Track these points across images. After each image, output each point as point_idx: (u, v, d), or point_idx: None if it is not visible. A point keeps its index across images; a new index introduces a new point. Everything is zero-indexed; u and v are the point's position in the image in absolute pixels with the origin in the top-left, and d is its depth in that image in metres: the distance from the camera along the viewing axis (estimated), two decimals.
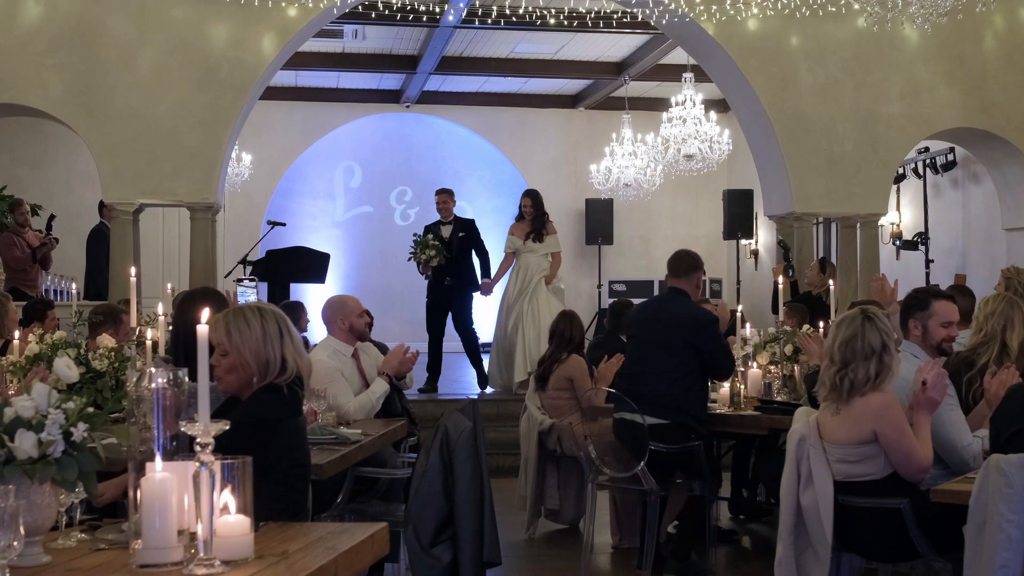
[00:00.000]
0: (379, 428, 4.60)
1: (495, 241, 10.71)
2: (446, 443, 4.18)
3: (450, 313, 9.75)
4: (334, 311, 5.53)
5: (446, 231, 9.72)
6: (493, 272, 10.08)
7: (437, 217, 10.02)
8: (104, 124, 8.41)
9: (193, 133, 8.50)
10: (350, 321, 5.47)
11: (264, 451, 2.95)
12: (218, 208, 8.87)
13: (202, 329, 2.19)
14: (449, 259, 9.54)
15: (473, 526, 4.18)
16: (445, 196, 10.09)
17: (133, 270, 4.43)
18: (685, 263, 5.80)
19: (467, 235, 9.76)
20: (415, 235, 9.78)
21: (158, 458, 2.24)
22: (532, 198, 9.81)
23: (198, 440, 2.17)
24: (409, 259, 9.70)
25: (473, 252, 9.83)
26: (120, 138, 8.42)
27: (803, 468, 3.71)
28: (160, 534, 2.22)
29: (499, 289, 10.14)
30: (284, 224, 11.21)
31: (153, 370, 2.33)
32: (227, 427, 2.20)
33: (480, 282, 9.90)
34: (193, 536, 2.21)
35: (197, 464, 2.18)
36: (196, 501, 2.19)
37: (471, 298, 9.84)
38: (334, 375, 5.03)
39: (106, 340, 4.39)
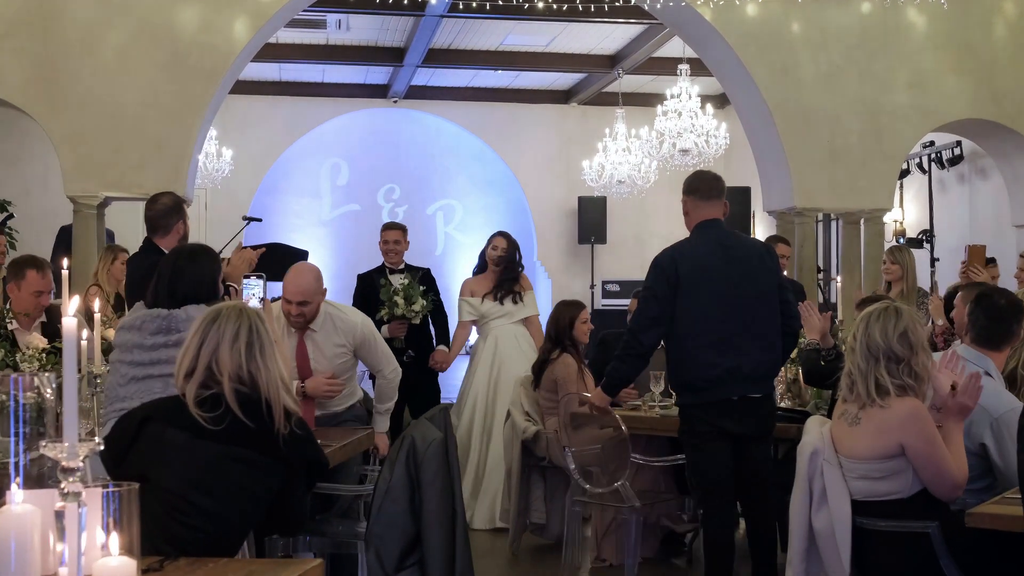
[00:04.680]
0: (340, 438, 4.13)
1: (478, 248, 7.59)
2: (412, 456, 3.73)
3: (407, 405, 6.44)
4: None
5: (397, 281, 6.87)
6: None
7: (381, 255, 7.19)
8: (65, 112, 7.94)
9: (160, 122, 8.03)
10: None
11: None
12: (187, 202, 8.39)
13: (69, 323, 1.73)
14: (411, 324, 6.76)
15: (443, 548, 3.73)
16: (398, 234, 7.14)
17: (66, 261, 3.96)
18: (718, 182, 4.67)
19: (428, 290, 6.87)
20: (382, 281, 6.85)
21: (15, 487, 1.78)
22: (508, 241, 6.98)
23: (63, 465, 1.71)
24: (382, 316, 6.66)
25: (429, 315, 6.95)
26: (82, 127, 7.95)
27: (816, 486, 3.25)
28: None
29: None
30: (260, 220, 10.71)
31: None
32: (100, 447, 1.73)
33: (435, 350, 6.92)
34: None
35: (62, 496, 1.72)
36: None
37: (437, 382, 6.96)
38: None
39: (36, 340, 3.93)
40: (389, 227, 7.22)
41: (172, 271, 3.58)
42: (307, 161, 16.31)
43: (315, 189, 16.50)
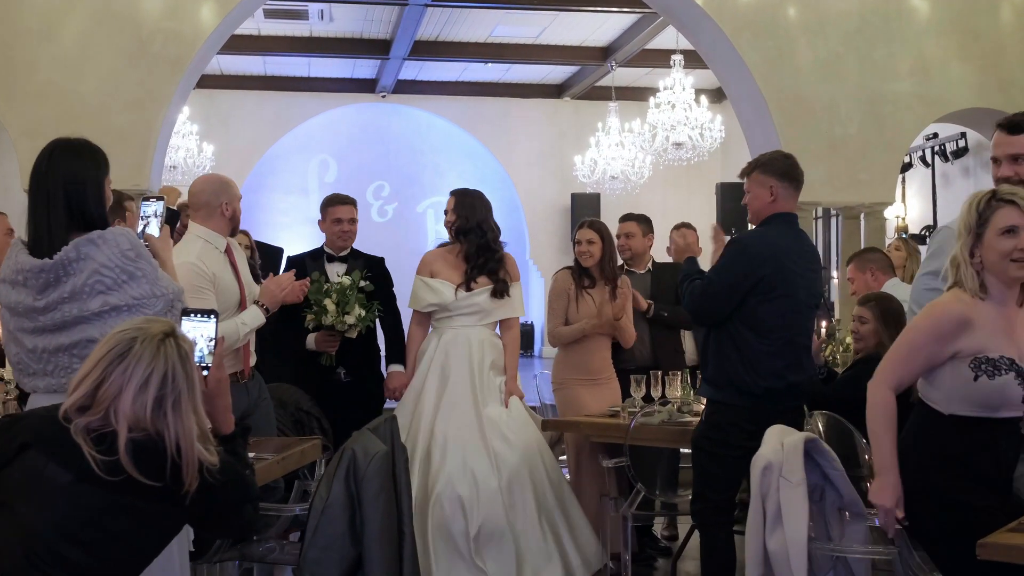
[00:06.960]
0: (276, 449, 3.72)
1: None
2: (353, 471, 3.33)
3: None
4: (218, 192, 4.11)
5: (334, 273, 5.19)
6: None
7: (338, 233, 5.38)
8: (23, 102, 7.56)
9: (123, 113, 7.64)
10: (235, 207, 4.15)
11: None
12: (133, 198, 8.00)
13: None
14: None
15: (388, 573, 3.33)
16: (354, 210, 5.38)
17: None
18: (800, 170, 4.08)
19: (379, 286, 5.16)
20: (315, 275, 4.98)
21: None
22: (462, 201, 4.98)
23: None
24: (307, 321, 4.98)
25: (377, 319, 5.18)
26: (41, 117, 7.55)
27: (770, 505, 2.85)
28: None
29: None
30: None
31: None
32: None
33: (387, 373, 5.20)
34: None
35: None
36: None
37: (381, 410, 5.12)
38: (200, 285, 3.83)
39: None
40: (343, 201, 5.36)
41: (48, 161, 2.99)
42: (294, 157, 15.96)
43: (302, 186, 16.14)
